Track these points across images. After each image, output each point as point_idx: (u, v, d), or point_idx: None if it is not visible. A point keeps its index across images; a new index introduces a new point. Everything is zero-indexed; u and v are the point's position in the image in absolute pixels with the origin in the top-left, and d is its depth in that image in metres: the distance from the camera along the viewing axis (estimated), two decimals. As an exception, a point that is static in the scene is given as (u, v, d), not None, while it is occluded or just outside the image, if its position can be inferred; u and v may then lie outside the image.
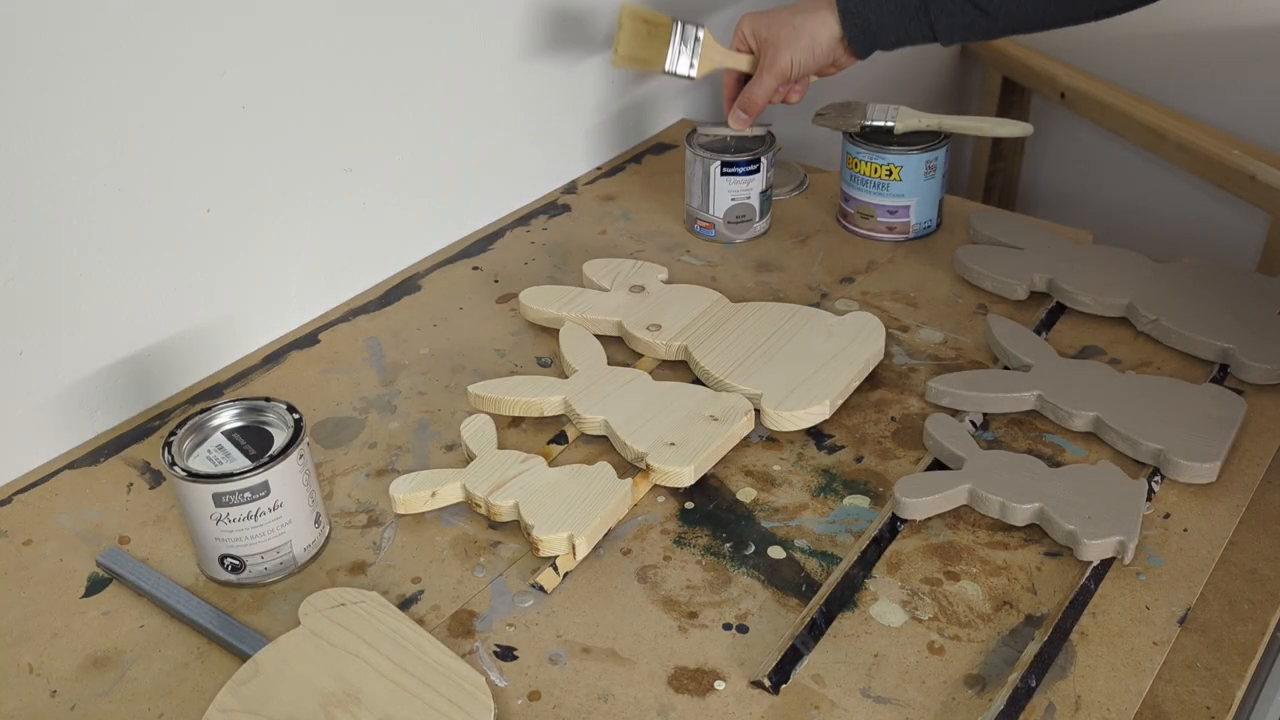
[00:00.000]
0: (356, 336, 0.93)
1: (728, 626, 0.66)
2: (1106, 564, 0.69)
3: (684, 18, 1.00)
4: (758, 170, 1.02)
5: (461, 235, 1.07)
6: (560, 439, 0.80)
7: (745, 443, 0.80)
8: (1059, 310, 0.92)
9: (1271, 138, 1.45)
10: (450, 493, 0.74)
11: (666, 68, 0.99)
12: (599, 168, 1.19)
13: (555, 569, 0.69)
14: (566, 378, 0.84)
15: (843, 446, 0.79)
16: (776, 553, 0.71)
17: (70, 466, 0.79)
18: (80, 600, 0.69)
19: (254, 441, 0.68)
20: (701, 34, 0.99)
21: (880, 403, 0.83)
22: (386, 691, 0.60)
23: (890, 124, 1.02)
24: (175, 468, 0.66)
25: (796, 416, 0.80)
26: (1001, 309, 0.93)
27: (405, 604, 0.68)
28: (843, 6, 0.95)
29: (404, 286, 0.99)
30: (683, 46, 0.99)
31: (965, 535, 0.71)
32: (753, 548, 0.71)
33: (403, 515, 0.74)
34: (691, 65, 1.00)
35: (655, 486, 0.76)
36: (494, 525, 0.73)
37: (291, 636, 0.63)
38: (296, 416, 0.69)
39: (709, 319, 0.89)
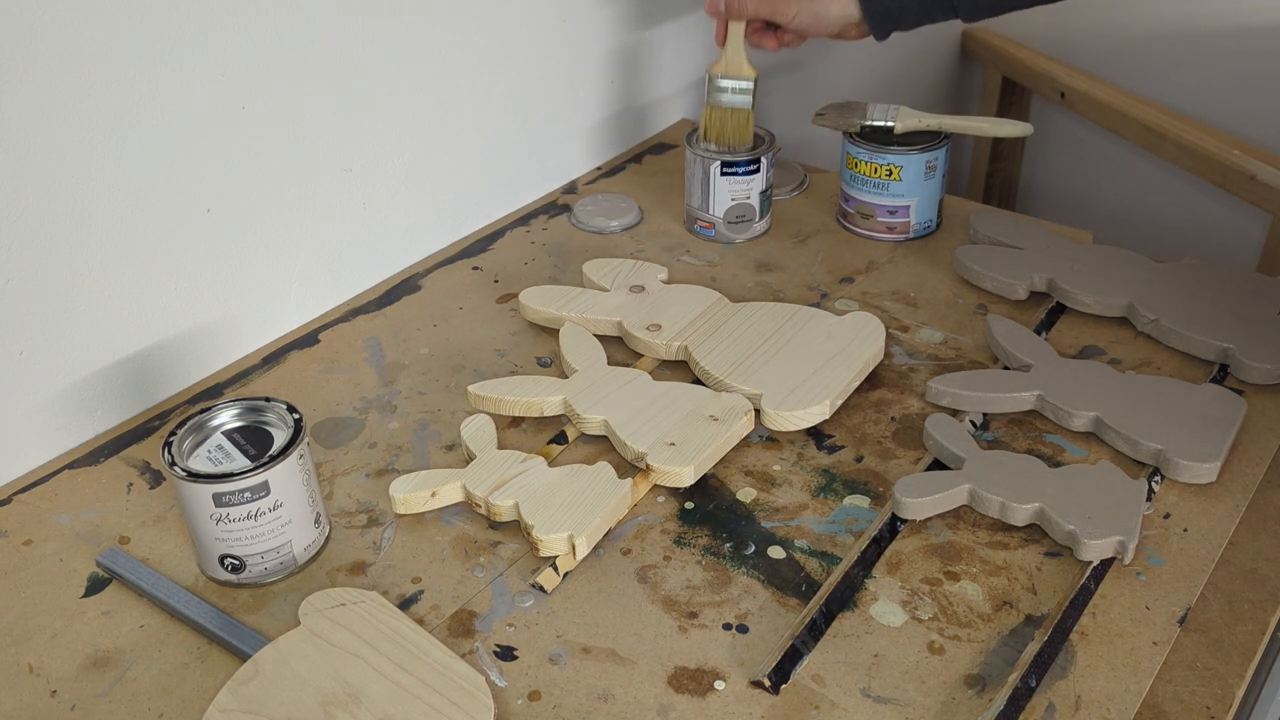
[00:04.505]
0: (356, 336, 0.93)
1: (728, 626, 0.66)
2: (1106, 564, 0.69)
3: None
4: (758, 170, 1.01)
5: (461, 235, 1.07)
6: (560, 439, 0.80)
7: (745, 443, 0.80)
8: (1059, 310, 0.92)
9: (1271, 138, 1.45)
10: (450, 493, 0.74)
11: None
12: (599, 168, 1.19)
13: (555, 569, 0.69)
14: (566, 378, 0.84)
15: (843, 446, 0.79)
16: (776, 553, 0.71)
17: (70, 466, 0.79)
18: (80, 600, 0.69)
19: (254, 441, 0.68)
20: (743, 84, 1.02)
21: (880, 403, 0.83)
22: (386, 691, 0.60)
23: (890, 124, 1.02)
24: (175, 468, 0.66)
25: (796, 416, 0.80)
26: (1001, 309, 0.93)
27: (405, 604, 0.68)
28: None
29: (404, 286, 0.99)
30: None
31: (965, 535, 0.71)
32: (753, 548, 0.71)
33: (403, 515, 0.74)
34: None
35: (655, 486, 0.76)
36: (494, 525, 0.73)
37: (291, 636, 0.63)
38: (296, 416, 0.69)
39: (709, 319, 0.89)
